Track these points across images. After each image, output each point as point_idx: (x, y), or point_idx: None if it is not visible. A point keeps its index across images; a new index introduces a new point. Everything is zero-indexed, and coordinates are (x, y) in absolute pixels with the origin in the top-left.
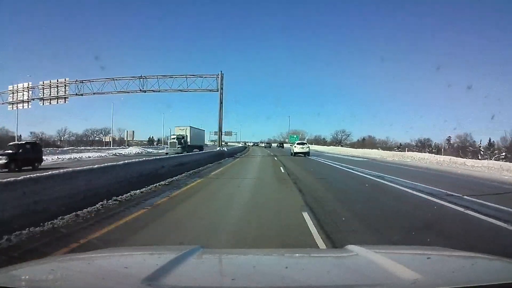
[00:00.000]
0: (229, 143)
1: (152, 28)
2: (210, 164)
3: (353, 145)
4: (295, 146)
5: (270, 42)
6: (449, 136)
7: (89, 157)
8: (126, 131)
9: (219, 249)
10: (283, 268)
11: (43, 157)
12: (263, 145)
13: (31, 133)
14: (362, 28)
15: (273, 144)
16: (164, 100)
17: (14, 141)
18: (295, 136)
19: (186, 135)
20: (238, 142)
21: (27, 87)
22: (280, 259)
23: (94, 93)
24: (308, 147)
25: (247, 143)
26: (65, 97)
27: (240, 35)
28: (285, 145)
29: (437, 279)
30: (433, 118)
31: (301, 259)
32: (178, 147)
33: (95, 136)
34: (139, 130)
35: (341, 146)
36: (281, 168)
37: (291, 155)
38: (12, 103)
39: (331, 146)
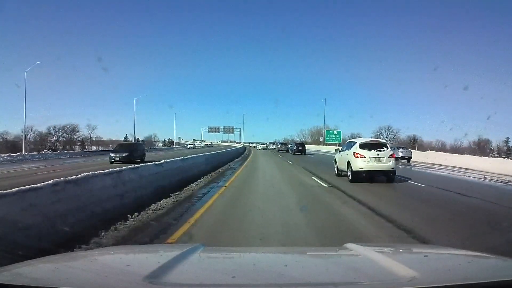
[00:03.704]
0: (214, 143)
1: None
2: None
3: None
4: (360, 156)
5: (299, 32)
6: None
7: None
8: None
9: (220, 247)
10: (282, 266)
11: None
12: (267, 146)
13: None
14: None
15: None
16: None
17: None
18: (335, 133)
19: None
20: (238, 143)
21: None
22: (279, 257)
23: None
24: (390, 154)
25: (250, 145)
26: None
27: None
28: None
29: (434, 277)
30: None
31: (300, 257)
32: None
33: (60, 135)
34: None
35: None
36: None
37: (339, 175)
38: None
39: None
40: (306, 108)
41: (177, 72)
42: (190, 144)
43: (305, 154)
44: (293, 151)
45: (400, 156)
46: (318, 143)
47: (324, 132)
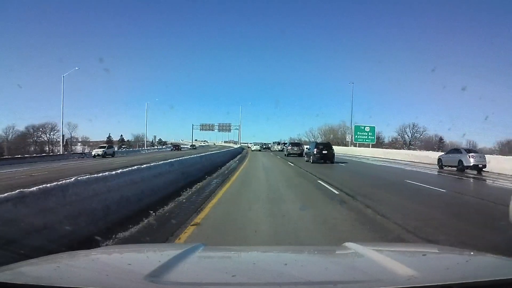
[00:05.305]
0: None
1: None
2: None
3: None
4: None
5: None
6: None
7: None
8: None
9: (220, 247)
10: (282, 264)
11: None
12: (264, 147)
13: None
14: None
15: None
16: None
17: None
18: (367, 129)
19: None
20: (235, 143)
21: None
22: (279, 256)
23: None
24: None
25: (248, 145)
26: None
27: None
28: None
29: (432, 276)
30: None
31: (300, 256)
32: None
33: (39, 135)
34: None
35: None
36: None
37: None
38: None
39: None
40: (307, 110)
41: (175, 72)
42: (99, 148)
43: (332, 162)
44: (311, 157)
45: (471, 164)
46: (336, 143)
47: (352, 129)
